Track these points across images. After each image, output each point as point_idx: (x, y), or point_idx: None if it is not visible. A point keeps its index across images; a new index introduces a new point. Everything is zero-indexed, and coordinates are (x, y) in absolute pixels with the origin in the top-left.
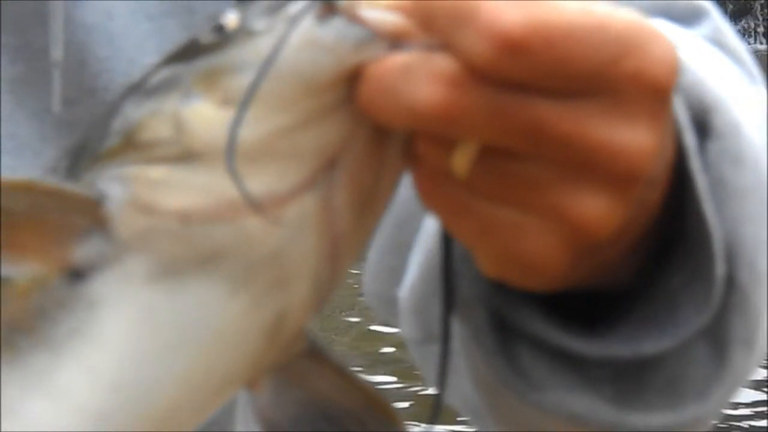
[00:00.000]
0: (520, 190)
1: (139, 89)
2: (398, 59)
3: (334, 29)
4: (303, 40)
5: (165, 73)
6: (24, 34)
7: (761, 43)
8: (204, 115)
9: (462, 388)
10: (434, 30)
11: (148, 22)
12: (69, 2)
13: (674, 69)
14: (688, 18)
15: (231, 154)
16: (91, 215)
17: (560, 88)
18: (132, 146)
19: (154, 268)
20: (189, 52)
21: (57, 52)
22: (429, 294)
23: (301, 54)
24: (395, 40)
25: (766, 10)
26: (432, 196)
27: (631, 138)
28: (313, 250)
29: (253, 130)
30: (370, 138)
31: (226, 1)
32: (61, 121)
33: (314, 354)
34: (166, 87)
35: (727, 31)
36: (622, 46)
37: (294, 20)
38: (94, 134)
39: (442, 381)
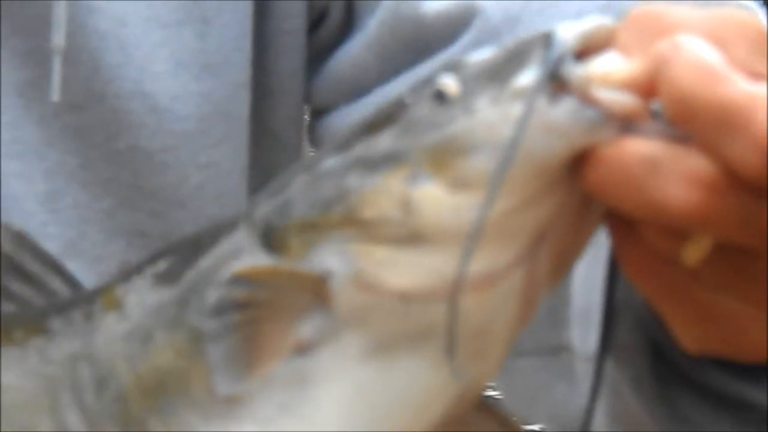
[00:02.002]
0: (750, 284)
1: (355, 158)
2: (642, 149)
3: (568, 111)
4: (536, 123)
5: (384, 143)
6: (33, 39)
7: None
8: (434, 198)
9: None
10: (693, 126)
11: (162, 30)
12: (83, 8)
13: None
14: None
15: (473, 240)
16: (317, 293)
17: None
18: (355, 222)
19: (368, 344)
20: (407, 119)
21: (59, 39)
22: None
23: (534, 137)
24: (627, 121)
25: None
26: (648, 277)
27: None
28: (514, 318)
29: (469, 212)
30: (578, 208)
31: (240, 2)
32: (68, 127)
33: (481, 405)
34: (391, 162)
35: None
36: None
37: (530, 100)
38: (297, 192)
39: (588, 420)
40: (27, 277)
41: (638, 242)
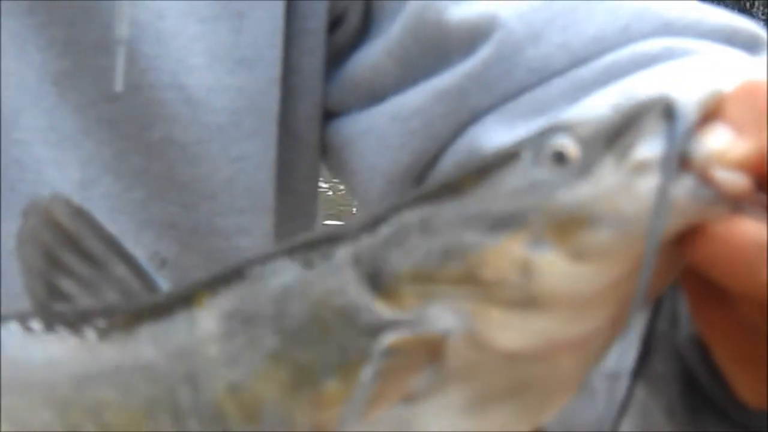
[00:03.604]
0: None
1: (475, 212)
2: (754, 231)
3: (688, 189)
4: (659, 198)
5: (505, 200)
6: (73, 29)
7: None
8: (554, 266)
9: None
10: None
11: (199, 25)
12: (125, 1)
13: None
14: (753, 47)
15: (635, 312)
16: (433, 350)
17: None
18: (474, 281)
19: (469, 397)
20: (527, 177)
21: (122, 30)
22: None
23: (653, 214)
24: (738, 200)
25: (766, 10)
26: (727, 340)
27: None
28: (590, 367)
29: (591, 282)
30: (664, 269)
31: (276, 2)
32: (103, 117)
33: None
34: (513, 224)
35: None
36: None
37: (664, 183)
38: (409, 235)
39: None
40: (87, 256)
41: (725, 309)
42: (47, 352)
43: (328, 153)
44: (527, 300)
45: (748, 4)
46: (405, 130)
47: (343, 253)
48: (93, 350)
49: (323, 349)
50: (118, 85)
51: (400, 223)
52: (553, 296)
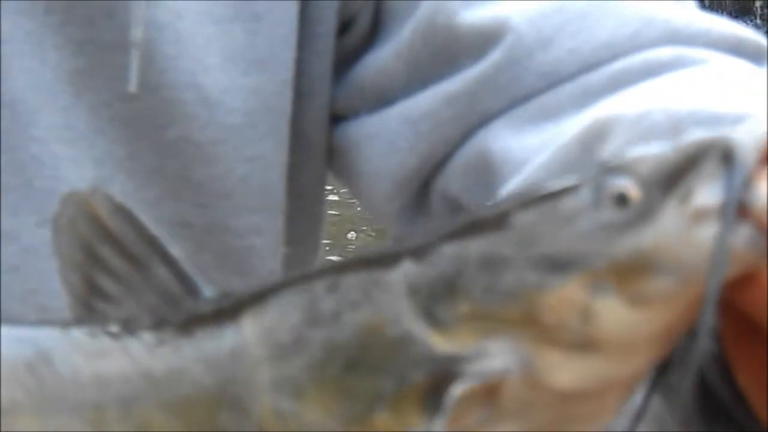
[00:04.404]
0: None
1: (537, 255)
2: None
3: (746, 238)
4: (718, 248)
5: (567, 241)
6: (91, 29)
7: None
8: (615, 312)
9: None
10: None
11: (214, 26)
12: (145, 1)
13: None
14: (758, 57)
15: (698, 358)
16: (491, 388)
17: None
18: (534, 323)
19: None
20: (589, 219)
21: (137, 33)
22: None
23: (713, 262)
24: None
25: (766, 10)
26: (762, 374)
27: None
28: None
29: (648, 327)
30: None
31: (289, 2)
32: (117, 117)
33: None
34: (575, 267)
35: None
36: None
37: (723, 235)
38: (467, 269)
39: None
40: (128, 254)
41: (760, 343)
42: (95, 367)
43: (333, 156)
44: (585, 343)
45: (748, 5)
46: (414, 133)
47: (396, 280)
48: (141, 368)
49: (375, 379)
50: (133, 87)
51: (457, 254)
52: (610, 340)
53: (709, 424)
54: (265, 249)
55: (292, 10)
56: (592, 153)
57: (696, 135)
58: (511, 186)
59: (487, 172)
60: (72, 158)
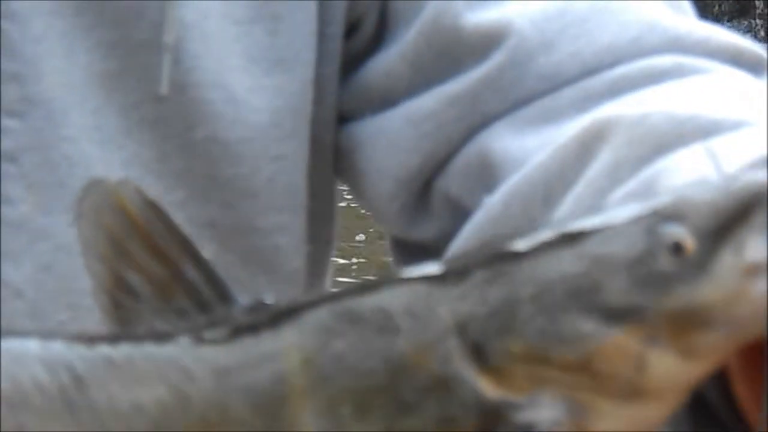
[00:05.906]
0: None
1: (596, 305)
2: None
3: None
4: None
5: (623, 291)
6: (121, 30)
7: (762, 43)
8: (667, 363)
9: None
10: None
11: (236, 27)
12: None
13: None
14: (757, 68)
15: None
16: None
17: None
18: (588, 371)
19: None
20: (646, 268)
21: (170, 35)
22: None
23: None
24: None
25: (766, 10)
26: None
27: None
28: None
29: (695, 376)
30: None
31: (309, 2)
32: (145, 119)
33: None
34: (631, 318)
35: None
36: None
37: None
38: (519, 309)
39: None
40: (158, 253)
41: (760, 359)
42: (132, 395)
43: (337, 157)
44: (635, 393)
45: (748, 5)
46: (417, 134)
47: (445, 315)
48: (179, 396)
49: (418, 416)
50: (164, 89)
51: (509, 292)
52: (660, 390)
53: (697, 424)
54: (290, 247)
55: (311, 10)
56: (590, 153)
57: (746, 178)
58: (510, 185)
59: (487, 172)
60: (102, 159)
